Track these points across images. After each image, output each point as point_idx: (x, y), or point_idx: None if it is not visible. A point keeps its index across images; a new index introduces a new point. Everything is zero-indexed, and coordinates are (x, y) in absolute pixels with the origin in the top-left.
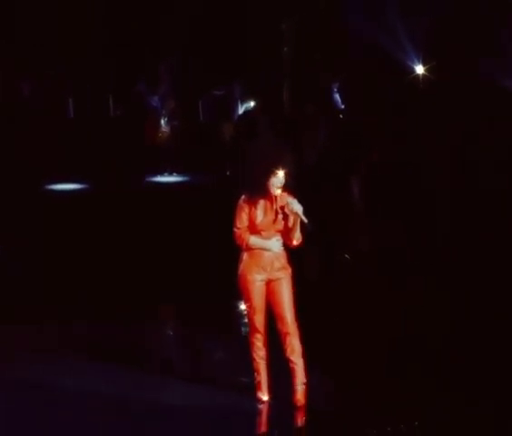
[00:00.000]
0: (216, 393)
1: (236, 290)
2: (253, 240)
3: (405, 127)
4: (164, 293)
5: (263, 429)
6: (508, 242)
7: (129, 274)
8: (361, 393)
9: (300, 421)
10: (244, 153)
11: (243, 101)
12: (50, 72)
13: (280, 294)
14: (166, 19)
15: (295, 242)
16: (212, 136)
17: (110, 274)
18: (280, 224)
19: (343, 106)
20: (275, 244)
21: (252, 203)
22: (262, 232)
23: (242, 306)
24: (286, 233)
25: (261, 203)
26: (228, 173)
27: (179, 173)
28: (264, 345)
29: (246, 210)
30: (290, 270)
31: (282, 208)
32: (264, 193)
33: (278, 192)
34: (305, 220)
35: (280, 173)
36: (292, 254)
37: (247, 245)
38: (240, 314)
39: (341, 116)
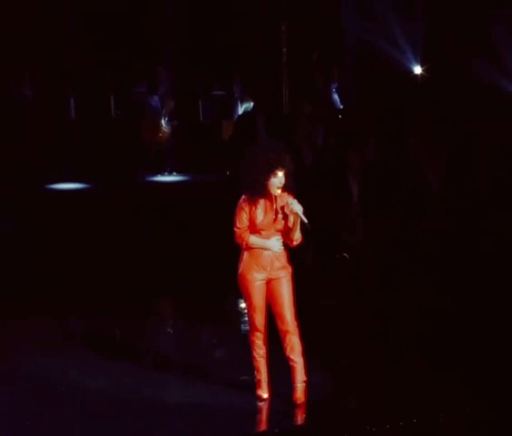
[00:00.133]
0: (216, 391)
1: (236, 289)
2: (253, 239)
3: (401, 127)
4: (165, 292)
5: (263, 426)
6: (505, 240)
7: (129, 272)
8: (361, 391)
9: (300, 418)
10: (244, 153)
11: (243, 101)
12: (52, 73)
13: (280, 293)
14: (167, 20)
15: (295, 242)
16: (212, 136)
17: (110, 272)
18: (281, 224)
19: (342, 106)
20: (275, 244)
21: (253, 203)
22: (262, 232)
23: (243, 305)
24: (286, 233)
25: (262, 203)
26: (228, 173)
27: (179, 172)
28: (264, 344)
29: (246, 210)
30: (290, 269)
31: (282, 208)
32: (264, 193)
33: (278, 192)
34: (305, 220)
35: (280, 174)
36: (292, 253)
37: (247, 245)
38: (240, 313)
39: (340, 116)
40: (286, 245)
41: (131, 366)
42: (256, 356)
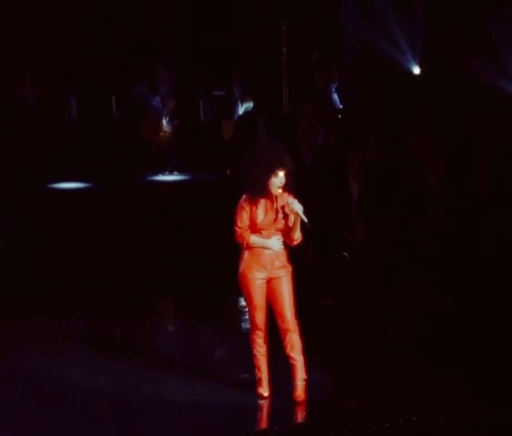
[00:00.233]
0: (217, 389)
1: (236, 288)
2: (254, 239)
3: (401, 127)
4: (165, 292)
5: (264, 424)
6: (505, 240)
7: (129, 272)
8: (361, 389)
9: (301, 416)
10: (245, 154)
11: (243, 101)
12: (53, 73)
13: (281, 292)
14: (167, 20)
15: (295, 242)
16: (213, 136)
17: (110, 272)
18: (281, 224)
19: (341, 106)
20: (276, 243)
21: (253, 202)
22: (263, 232)
23: (243, 303)
24: (286, 233)
25: (262, 202)
26: (228, 172)
27: (180, 171)
28: (265, 342)
29: (247, 209)
30: (290, 268)
31: (283, 207)
32: (265, 192)
33: (278, 191)
34: (305, 219)
35: (281, 174)
36: (292, 252)
37: (248, 244)
38: (240, 311)
39: (340, 116)
40: (286, 245)
41: (131, 365)
42: (257, 354)
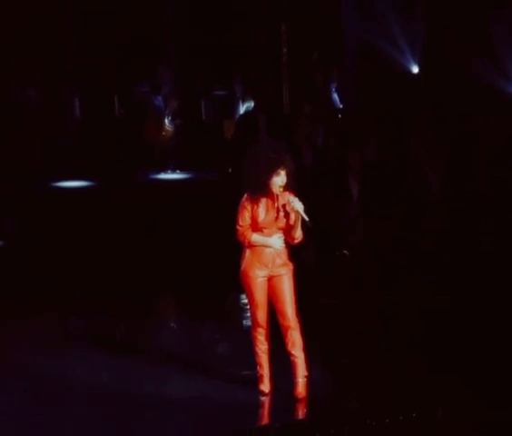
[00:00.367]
0: (219, 386)
1: (237, 286)
2: (255, 237)
3: (401, 127)
4: (167, 287)
5: (265, 421)
6: (505, 240)
7: (132, 268)
8: (361, 386)
9: (302, 413)
10: (246, 153)
11: (244, 100)
12: (56, 73)
13: (282, 290)
14: (168, 20)
15: (296, 240)
16: (214, 135)
17: (110, 272)
18: (282, 222)
19: (341, 106)
20: (277, 241)
21: (255, 201)
22: (264, 230)
23: (244, 301)
24: (287, 231)
25: (264, 201)
26: (230, 171)
27: (182, 170)
28: (266, 339)
29: (248, 208)
30: (291, 266)
31: (284, 206)
32: (266, 192)
33: (280, 190)
34: (306, 218)
35: (282, 173)
36: (293, 251)
37: (249, 243)
38: (242, 309)
39: (340, 116)
40: (287, 243)
41: (132, 363)
42: (258, 351)
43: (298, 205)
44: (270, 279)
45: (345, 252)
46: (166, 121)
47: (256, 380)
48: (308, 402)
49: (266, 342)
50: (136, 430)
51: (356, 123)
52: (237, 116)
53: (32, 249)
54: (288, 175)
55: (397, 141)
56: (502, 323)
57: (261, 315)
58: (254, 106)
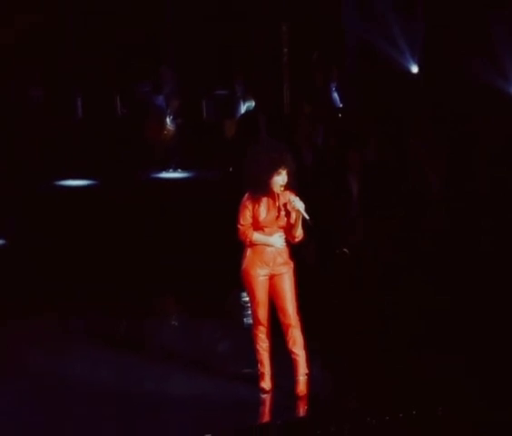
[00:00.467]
0: (220, 384)
1: (238, 284)
2: (256, 236)
3: (401, 127)
4: (169, 286)
5: (266, 418)
6: (505, 240)
7: (134, 267)
8: (361, 384)
9: (302, 410)
10: (248, 153)
11: (245, 100)
12: (59, 74)
13: (283, 288)
14: (168, 20)
15: (297, 239)
16: (215, 134)
17: (116, 267)
18: (283, 221)
19: (341, 105)
20: (278, 240)
21: (256, 201)
22: (265, 229)
23: (246, 299)
24: (288, 230)
25: (264, 200)
26: (230, 170)
27: (183, 169)
28: (267, 337)
29: (250, 208)
30: (292, 265)
31: (285, 205)
32: (267, 191)
33: (280, 190)
34: (306, 216)
35: (283, 172)
36: (294, 249)
37: (250, 241)
38: (243, 307)
39: (340, 115)
40: (288, 242)
41: (133, 361)
42: (259, 349)
43: (298, 204)
44: (271, 277)
45: (345, 250)
46: (167, 120)
47: (257, 377)
48: (308, 400)
49: (267, 340)
50: (137, 428)
51: (356, 123)
52: (238, 116)
53: (32, 249)
54: (289, 175)
55: (397, 141)
56: (502, 323)
57: (262, 313)
58: (255, 106)
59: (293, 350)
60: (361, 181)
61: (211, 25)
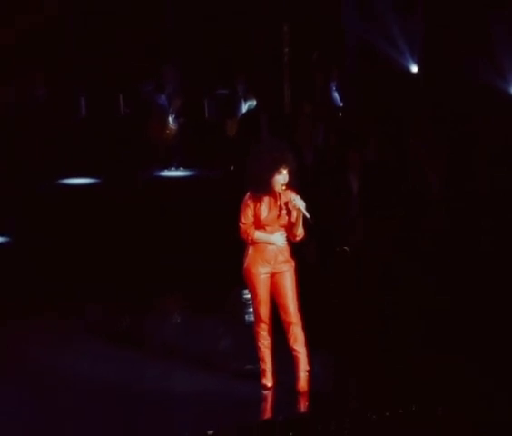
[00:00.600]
0: (222, 380)
1: (240, 281)
2: (258, 234)
3: (401, 127)
4: (171, 283)
5: (268, 414)
6: (505, 240)
7: (137, 264)
8: (362, 381)
9: (304, 406)
10: (249, 152)
11: (247, 99)
12: (63, 73)
13: (284, 286)
14: (173, 21)
15: (298, 237)
16: (217, 133)
17: (118, 264)
18: (284, 220)
19: (341, 104)
20: (279, 239)
21: (257, 199)
22: (267, 228)
23: (247, 296)
24: (289, 228)
25: (266, 199)
26: (232, 168)
27: (185, 167)
28: (269, 334)
29: (251, 206)
30: (293, 263)
31: (286, 204)
32: (269, 190)
33: (282, 189)
34: (307, 215)
35: (284, 171)
36: (294, 247)
37: (252, 240)
38: (245, 304)
39: (340, 114)
40: (289, 240)
41: (134, 359)
42: (261, 346)
43: (299, 203)
44: (272, 275)
45: (345, 248)
46: (170, 119)
47: (259, 374)
48: (310, 397)
49: (269, 337)
50: (138, 425)
51: (356, 122)
52: (239, 115)
53: (32, 249)
54: (290, 174)
55: (397, 141)
56: (502, 323)
57: (264, 311)
58: (256, 105)
59: (294, 347)
60: (361, 180)
61: (213, 25)
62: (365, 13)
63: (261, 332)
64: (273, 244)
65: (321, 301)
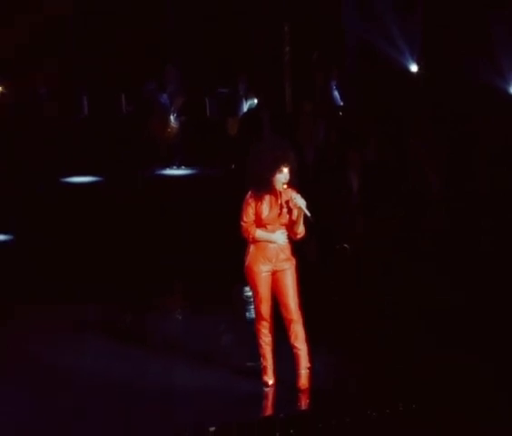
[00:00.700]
0: (224, 377)
1: (242, 279)
2: (259, 233)
3: (401, 127)
4: (172, 282)
5: (269, 411)
6: (505, 240)
7: (139, 261)
8: (362, 378)
9: (304, 403)
10: (250, 151)
11: (247, 98)
12: (66, 72)
13: (285, 284)
14: (175, 21)
15: (298, 236)
16: (218, 131)
17: (121, 261)
18: (285, 218)
19: (342, 103)
20: (280, 237)
21: (259, 198)
22: (268, 226)
23: (249, 294)
24: (290, 227)
25: (267, 198)
26: (233, 166)
27: (187, 165)
28: (270, 332)
29: (252, 205)
30: (294, 261)
31: (287, 202)
32: (270, 188)
33: (283, 187)
34: (308, 213)
35: (285, 170)
36: (295, 245)
37: (253, 238)
38: (246, 302)
39: (340, 113)
40: (290, 238)
41: (135, 356)
42: (262, 344)
43: (300, 202)
44: (273, 273)
45: (345, 245)
46: (171, 118)
47: (260, 371)
48: (310, 394)
49: (270, 335)
50: (140, 422)
51: (356, 122)
52: (240, 114)
53: (32, 248)
54: (291, 172)
55: (397, 141)
56: (502, 323)
57: (265, 308)
58: (257, 104)
59: (295, 344)
60: (361, 178)
61: (214, 25)
62: (365, 13)
63: (262, 330)
64: (274, 243)
65: (322, 298)
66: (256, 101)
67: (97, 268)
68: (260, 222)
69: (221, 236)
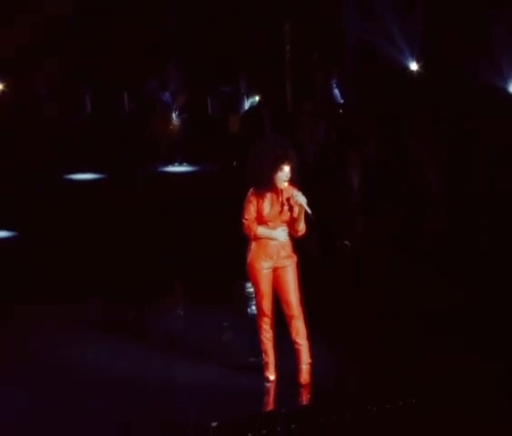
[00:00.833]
0: (225, 373)
1: (244, 275)
2: (261, 230)
3: (401, 127)
4: (175, 277)
5: (271, 406)
6: (505, 240)
7: (141, 257)
8: (363, 373)
9: (306, 399)
10: (252, 149)
11: (249, 96)
12: (68, 71)
13: (286, 281)
14: (175, 21)
15: (299, 233)
16: (220, 129)
17: (123, 258)
18: (286, 215)
19: (342, 101)
20: (281, 234)
21: (260, 195)
22: (269, 223)
23: (250, 290)
24: (291, 224)
25: (268, 195)
26: (234, 164)
27: (189, 163)
28: (271, 328)
29: (254, 202)
30: (295, 258)
31: (288, 200)
32: (271, 186)
33: (284, 185)
34: (309, 211)
35: (287, 168)
36: (296, 242)
37: (255, 235)
38: (248, 298)
39: (341, 111)
40: (291, 235)
41: (136, 351)
42: (264, 339)
43: (301, 199)
44: (274, 270)
45: (346, 242)
46: (173, 115)
47: (261, 367)
48: (311, 389)
49: (271, 331)
50: (141, 416)
51: (356, 122)
52: (242, 112)
53: (32, 248)
54: (292, 170)
55: (397, 141)
56: (502, 323)
57: (267, 305)
58: (258, 102)
59: (296, 340)
60: (362, 176)
61: (214, 25)
62: (365, 13)
63: (264, 326)
64: (276, 240)
65: (323, 295)
66: (257, 98)
67: (97, 267)
68: (261, 220)
69: (222, 235)
